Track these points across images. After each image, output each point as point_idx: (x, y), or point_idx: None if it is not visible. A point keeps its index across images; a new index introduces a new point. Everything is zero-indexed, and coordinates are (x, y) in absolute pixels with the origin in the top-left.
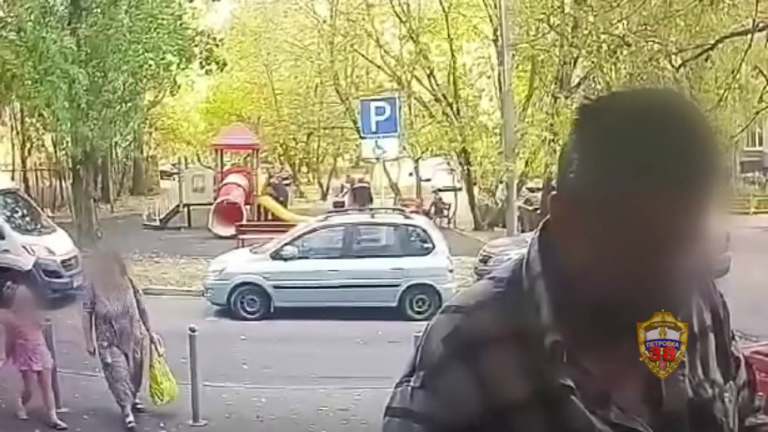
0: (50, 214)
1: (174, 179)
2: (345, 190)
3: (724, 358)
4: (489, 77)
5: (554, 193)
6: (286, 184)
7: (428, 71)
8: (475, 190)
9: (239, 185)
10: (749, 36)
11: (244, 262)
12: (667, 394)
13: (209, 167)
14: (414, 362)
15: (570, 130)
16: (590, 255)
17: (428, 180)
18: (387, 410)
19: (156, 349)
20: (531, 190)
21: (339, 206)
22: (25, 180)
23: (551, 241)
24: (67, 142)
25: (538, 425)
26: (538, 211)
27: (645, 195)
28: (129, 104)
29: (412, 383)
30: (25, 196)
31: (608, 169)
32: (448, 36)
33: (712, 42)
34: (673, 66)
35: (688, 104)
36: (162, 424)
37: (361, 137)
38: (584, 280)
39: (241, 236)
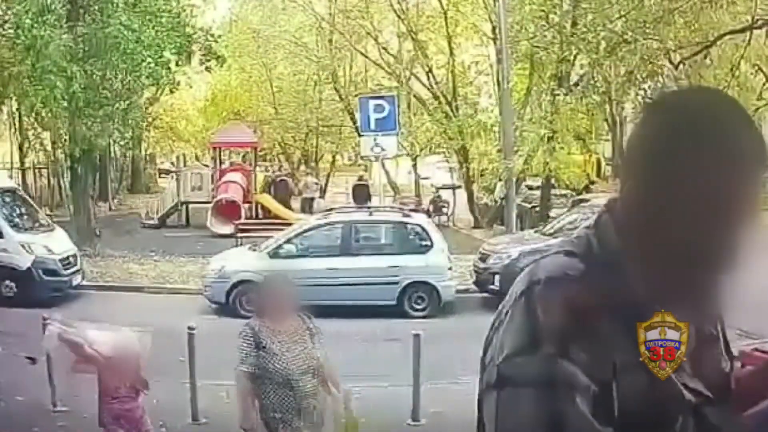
0: (48, 213)
1: (172, 177)
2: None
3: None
4: (488, 75)
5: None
6: (282, 181)
7: (427, 69)
8: (474, 187)
9: (238, 183)
10: (748, 33)
11: (242, 261)
12: (706, 367)
13: (207, 165)
14: (524, 333)
15: (638, 125)
16: (671, 235)
17: (427, 178)
18: (505, 381)
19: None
20: (530, 187)
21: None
22: (23, 178)
23: (626, 221)
24: (65, 141)
25: (643, 387)
26: (537, 209)
27: (720, 178)
28: (127, 102)
29: (532, 350)
30: (23, 194)
31: (687, 156)
32: (447, 34)
33: (712, 39)
34: (672, 63)
35: (735, 101)
36: (161, 423)
37: (360, 135)
38: (666, 257)
39: (240, 234)
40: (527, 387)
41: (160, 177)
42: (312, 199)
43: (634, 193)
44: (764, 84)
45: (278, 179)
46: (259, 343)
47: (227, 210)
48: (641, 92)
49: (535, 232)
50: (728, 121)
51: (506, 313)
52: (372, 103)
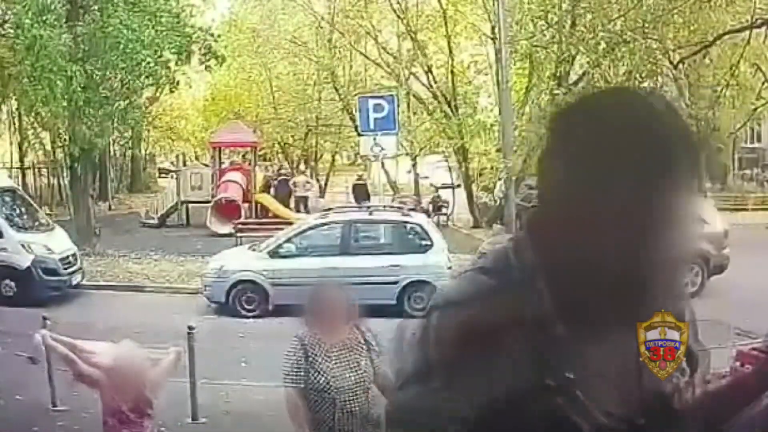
0: (48, 212)
1: (172, 177)
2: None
3: (690, 354)
4: (487, 74)
5: (540, 192)
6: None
7: (426, 68)
8: (474, 187)
9: (237, 183)
10: (747, 32)
11: (242, 260)
12: (648, 383)
13: (207, 165)
14: (418, 361)
15: (547, 136)
16: (584, 249)
17: (426, 177)
18: (395, 413)
19: None
20: (529, 187)
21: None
22: (23, 178)
23: (541, 235)
24: (65, 140)
25: (544, 414)
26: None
27: (629, 189)
28: (127, 102)
29: (422, 381)
30: (23, 193)
31: (593, 167)
32: (446, 33)
33: (711, 39)
34: (671, 63)
35: (659, 102)
36: (161, 422)
37: (359, 134)
38: (580, 273)
39: (240, 234)
40: (413, 418)
41: (159, 176)
42: (305, 198)
43: (548, 205)
44: (763, 83)
45: (278, 179)
46: (308, 357)
47: (227, 209)
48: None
49: None
50: (647, 126)
51: (413, 335)
52: (371, 102)
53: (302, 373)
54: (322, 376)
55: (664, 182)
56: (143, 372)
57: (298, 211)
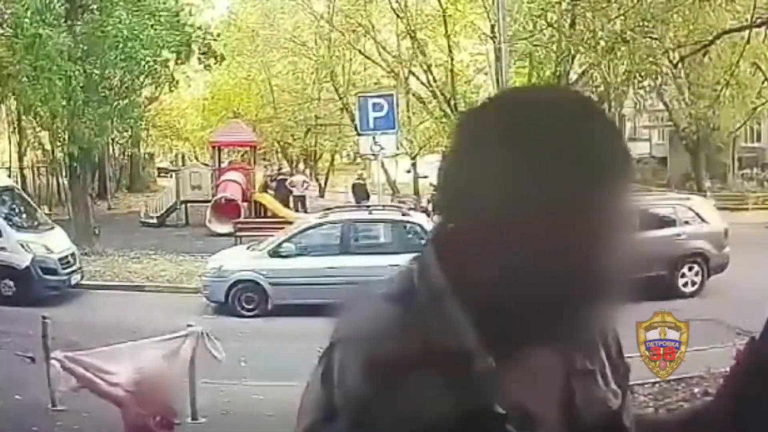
0: (47, 212)
1: (171, 176)
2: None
3: (617, 368)
4: (486, 74)
5: (452, 209)
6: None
7: (426, 68)
8: None
9: (237, 182)
10: (747, 32)
11: (241, 260)
12: (583, 407)
13: (207, 164)
14: (324, 404)
15: (453, 140)
16: (499, 267)
17: (426, 177)
18: None
19: None
20: None
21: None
22: (22, 177)
23: (451, 254)
24: (64, 140)
25: None
26: None
27: (551, 198)
28: (126, 101)
29: (327, 427)
30: (22, 193)
31: (507, 174)
32: (446, 32)
33: (710, 38)
34: (671, 62)
35: (580, 98)
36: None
37: (359, 134)
38: (495, 294)
39: (239, 233)
40: None
41: (159, 176)
42: (303, 197)
43: (454, 218)
44: (763, 82)
45: (277, 178)
46: None
47: (226, 209)
48: (640, 91)
49: None
50: (571, 124)
51: (315, 369)
52: (371, 101)
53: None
54: None
55: (591, 190)
56: (167, 383)
57: (296, 210)
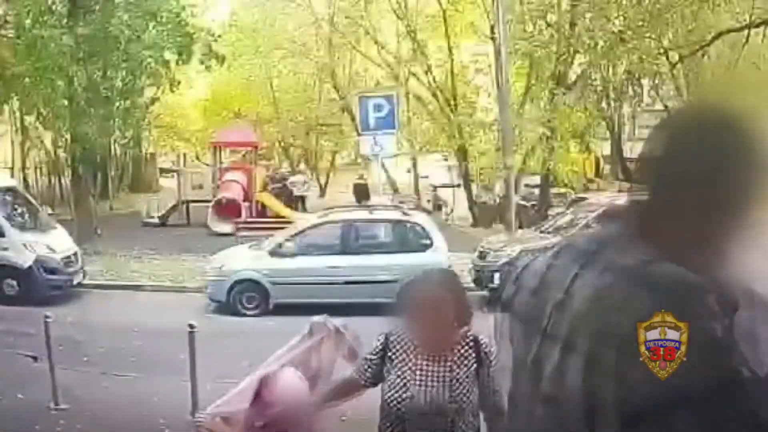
0: (49, 212)
1: (173, 176)
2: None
3: None
4: (486, 74)
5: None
6: (284, 179)
7: (426, 68)
8: (473, 186)
9: (238, 182)
10: (746, 32)
11: (243, 259)
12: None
13: (208, 164)
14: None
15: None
16: (692, 242)
17: (426, 177)
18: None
19: None
20: (529, 186)
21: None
22: (25, 178)
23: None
24: (66, 140)
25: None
26: (536, 207)
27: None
28: (128, 102)
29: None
30: (25, 193)
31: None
32: (446, 33)
33: (709, 38)
34: (670, 62)
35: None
36: (162, 421)
37: (359, 134)
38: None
39: (240, 233)
40: None
41: (160, 176)
42: (303, 197)
43: (661, 201)
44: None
45: (278, 178)
46: (386, 354)
47: (228, 209)
48: (639, 90)
49: (534, 230)
50: (740, 132)
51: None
52: (371, 102)
53: (371, 368)
54: (399, 383)
55: (752, 177)
56: (308, 402)
57: (295, 209)
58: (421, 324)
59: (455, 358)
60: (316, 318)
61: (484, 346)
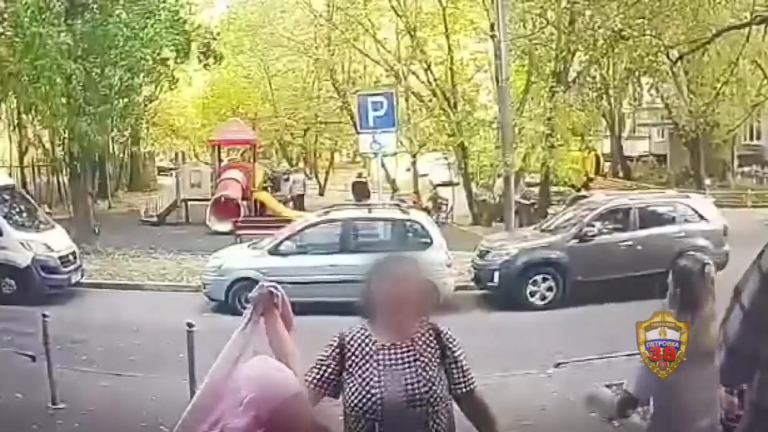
0: (47, 210)
1: (172, 175)
2: None
3: None
4: (486, 72)
5: None
6: (286, 179)
7: (425, 66)
8: (473, 184)
9: (237, 181)
10: (747, 29)
11: (241, 258)
12: None
13: (207, 163)
14: None
15: None
16: None
17: (426, 175)
18: None
19: None
20: (528, 185)
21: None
22: (23, 176)
23: None
24: (64, 138)
25: None
26: (535, 206)
27: None
28: (126, 100)
29: None
30: (23, 192)
31: None
32: (445, 31)
33: (710, 35)
34: (670, 60)
35: None
36: (161, 420)
37: (358, 132)
38: None
39: (239, 232)
40: None
41: (159, 174)
42: (301, 195)
43: None
44: (763, 80)
45: (277, 176)
46: (344, 357)
47: (226, 207)
48: (639, 88)
49: (534, 228)
50: None
51: None
52: (370, 100)
53: (332, 379)
54: (360, 383)
55: None
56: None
57: (294, 208)
58: (390, 305)
59: (418, 347)
60: (251, 293)
61: (444, 333)
